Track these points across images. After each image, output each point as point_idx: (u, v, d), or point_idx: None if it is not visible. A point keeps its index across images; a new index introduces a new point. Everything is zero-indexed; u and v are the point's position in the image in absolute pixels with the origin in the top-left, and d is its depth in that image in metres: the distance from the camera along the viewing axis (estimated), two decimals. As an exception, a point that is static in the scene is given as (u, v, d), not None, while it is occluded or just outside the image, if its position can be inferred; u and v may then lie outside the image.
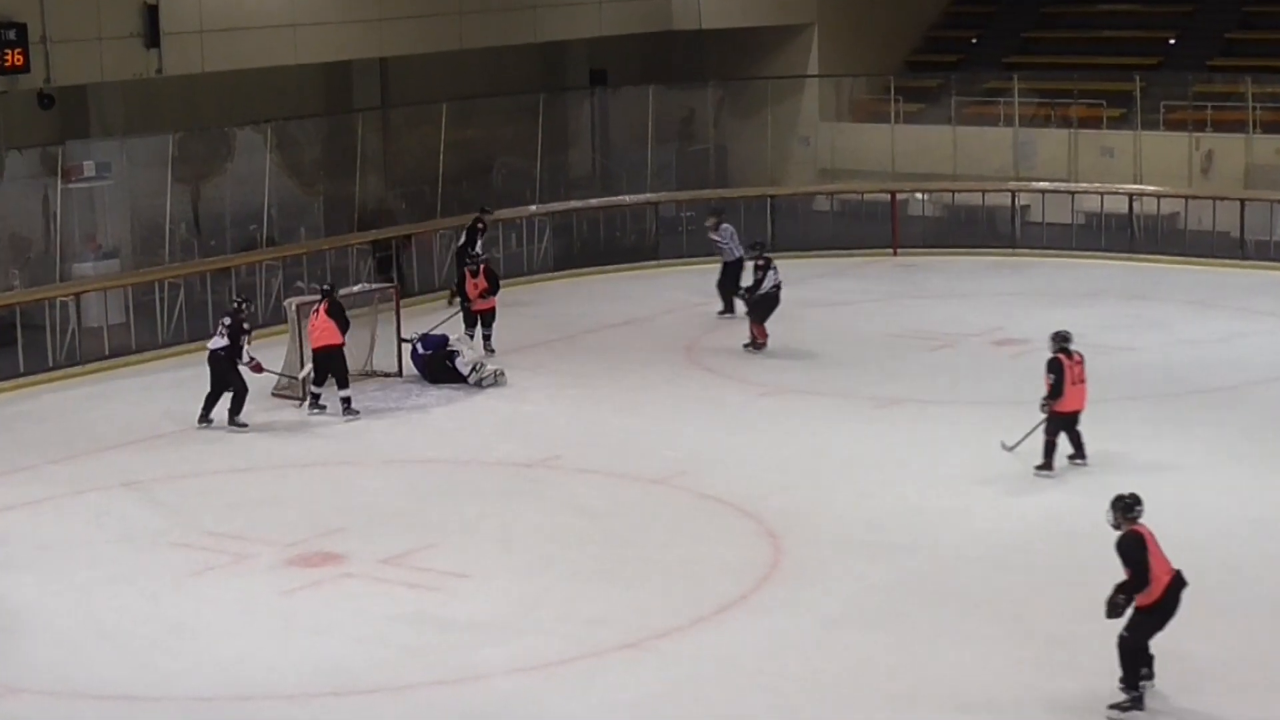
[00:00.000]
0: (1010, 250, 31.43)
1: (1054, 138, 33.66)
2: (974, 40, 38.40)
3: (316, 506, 18.49)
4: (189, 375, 24.11)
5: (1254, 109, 32.30)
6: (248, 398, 21.42)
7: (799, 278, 28.52)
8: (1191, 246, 30.29)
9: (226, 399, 21.36)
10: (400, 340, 23.66)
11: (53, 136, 26.94)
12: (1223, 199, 30.42)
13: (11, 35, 24.78)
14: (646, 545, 17.20)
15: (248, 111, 29.49)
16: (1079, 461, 18.72)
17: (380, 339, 23.66)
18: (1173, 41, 36.20)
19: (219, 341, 21.45)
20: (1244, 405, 21.32)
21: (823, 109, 36.27)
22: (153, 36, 26.59)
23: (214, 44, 27.47)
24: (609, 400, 22.26)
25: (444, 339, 23.47)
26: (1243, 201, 30.57)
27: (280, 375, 22.52)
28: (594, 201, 32.62)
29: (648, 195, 32.84)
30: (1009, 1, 39.13)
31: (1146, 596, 13.17)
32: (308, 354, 22.39)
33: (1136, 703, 13.22)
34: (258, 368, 21.56)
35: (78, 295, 25.28)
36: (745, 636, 14.78)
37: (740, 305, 25.38)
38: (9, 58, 24.77)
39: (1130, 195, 31.63)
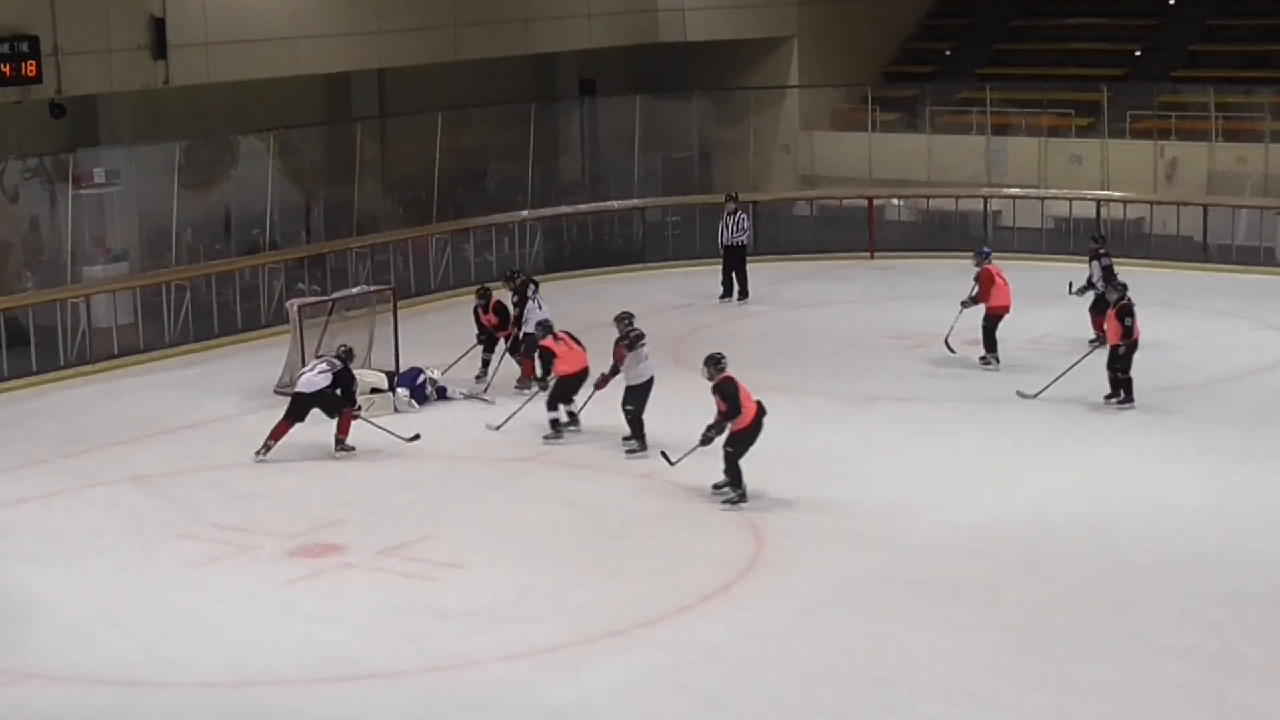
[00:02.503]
0: (983, 253, 31.41)
1: (1024, 145, 33.69)
2: (948, 52, 38.43)
3: (317, 500, 18.46)
4: (195, 374, 24.19)
5: (1216, 118, 32.35)
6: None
7: (781, 280, 28.59)
8: (1156, 250, 30.29)
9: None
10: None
11: (64, 145, 26.93)
12: (1186, 204, 30.45)
13: (24, 47, 24.79)
14: (633, 536, 17.21)
15: (251, 120, 29.47)
16: None
17: (378, 339, 23.58)
18: (1138, 54, 36.25)
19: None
20: (1207, 403, 21.36)
21: (803, 118, 36.30)
22: (160, 49, 26.59)
23: (219, 56, 27.45)
24: (598, 397, 22.23)
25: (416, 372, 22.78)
26: (1205, 207, 30.60)
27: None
28: (583, 207, 32.57)
29: (635, 201, 32.83)
30: (982, 15, 39.18)
31: (740, 423, 17.36)
32: (309, 355, 22.33)
33: (743, 497, 17.50)
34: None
35: (88, 297, 25.18)
36: (728, 624, 14.77)
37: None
38: (23, 68, 24.79)
39: (1098, 201, 31.66)
